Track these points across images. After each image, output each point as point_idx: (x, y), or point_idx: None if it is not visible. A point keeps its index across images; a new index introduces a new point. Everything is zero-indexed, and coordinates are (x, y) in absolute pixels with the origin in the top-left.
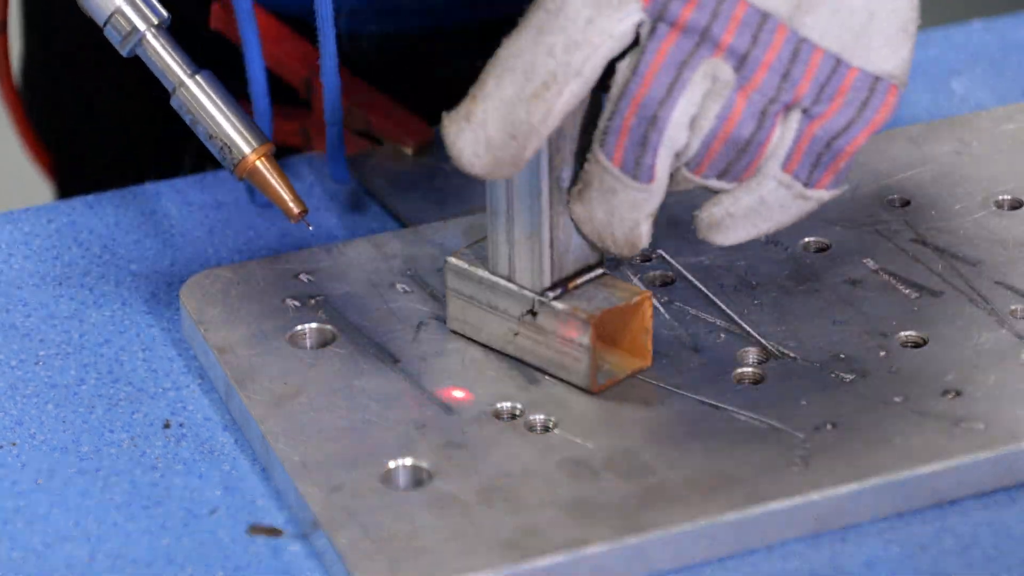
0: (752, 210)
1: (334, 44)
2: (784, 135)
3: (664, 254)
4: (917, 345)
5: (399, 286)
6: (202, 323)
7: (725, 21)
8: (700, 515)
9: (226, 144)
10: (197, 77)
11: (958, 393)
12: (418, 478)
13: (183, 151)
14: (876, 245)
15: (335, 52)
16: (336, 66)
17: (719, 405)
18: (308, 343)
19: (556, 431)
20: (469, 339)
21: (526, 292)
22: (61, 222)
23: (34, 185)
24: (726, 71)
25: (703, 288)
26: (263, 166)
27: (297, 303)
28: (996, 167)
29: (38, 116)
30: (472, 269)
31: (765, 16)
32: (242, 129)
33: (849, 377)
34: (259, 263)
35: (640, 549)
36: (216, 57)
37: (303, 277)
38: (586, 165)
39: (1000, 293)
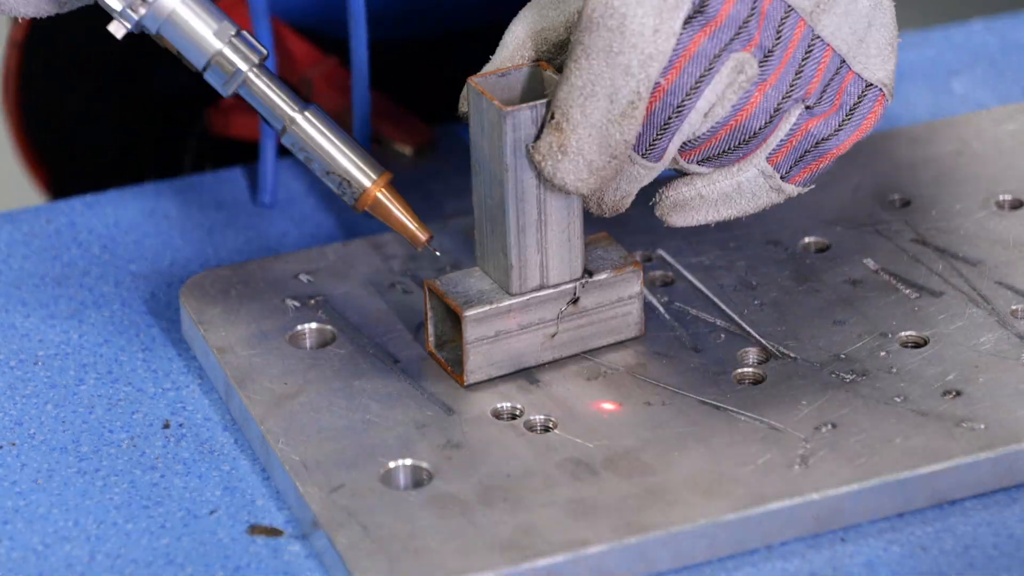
0: (725, 195)
1: (367, 69)
2: (780, 129)
3: (664, 254)
4: (917, 345)
5: (399, 286)
6: (202, 323)
7: (758, 16)
8: (700, 515)
9: (345, 179)
10: (307, 113)
11: (958, 393)
12: (418, 478)
13: (183, 151)
14: (876, 245)
15: (367, 76)
16: (368, 89)
17: (719, 405)
18: (308, 343)
19: (556, 431)
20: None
21: (564, 287)
22: (60, 222)
23: (33, 185)
24: (752, 66)
25: (703, 288)
26: (384, 197)
27: (297, 303)
28: (996, 167)
29: (38, 116)
30: (495, 307)
31: (789, 10)
32: (359, 162)
33: (849, 377)
34: (259, 263)
35: (640, 549)
36: None
37: (303, 277)
38: None
39: (1001, 293)
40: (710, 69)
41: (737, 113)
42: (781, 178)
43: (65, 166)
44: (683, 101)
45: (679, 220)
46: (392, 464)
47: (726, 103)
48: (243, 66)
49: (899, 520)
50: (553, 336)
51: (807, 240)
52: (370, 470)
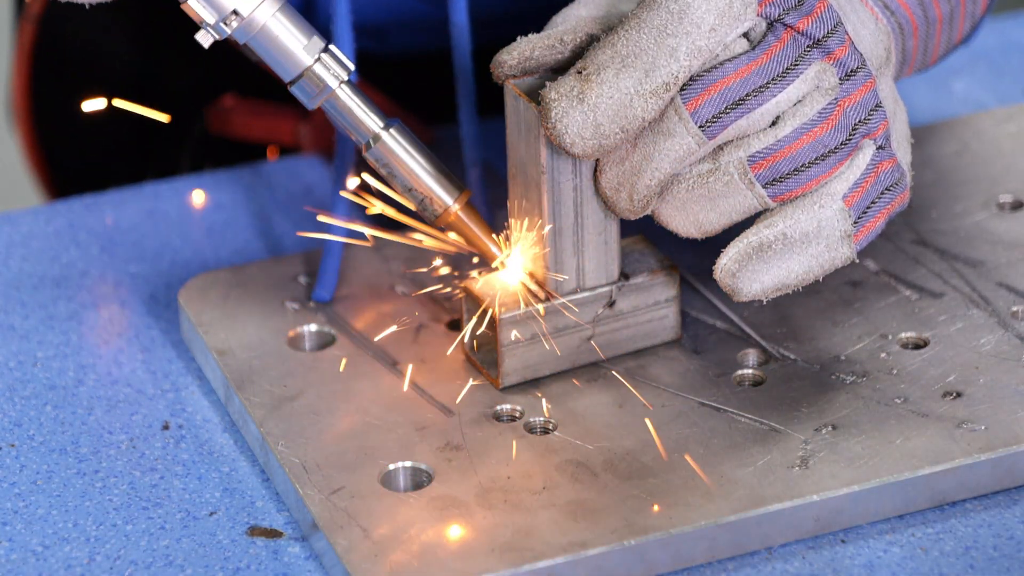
0: (806, 236)
1: (473, 90)
2: (856, 164)
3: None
4: (918, 347)
5: (399, 288)
6: (201, 325)
7: (840, 39)
8: (700, 516)
9: (427, 196)
10: (391, 130)
11: (959, 395)
12: (418, 480)
13: (183, 151)
14: (877, 246)
15: (473, 98)
16: (474, 111)
17: (719, 407)
18: (307, 345)
19: (556, 433)
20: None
21: (600, 290)
22: (60, 223)
23: (30, 185)
24: (832, 77)
25: (703, 289)
26: (464, 216)
27: (296, 305)
28: (997, 168)
29: (38, 116)
30: (530, 310)
31: (863, 60)
32: (442, 179)
33: (849, 379)
34: (258, 265)
35: (640, 551)
36: (216, 57)
37: (302, 279)
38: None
39: (1001, 295)
40: (790, 71)
41: (822, 122)
42: (853, 224)
43: (65, 166)
44: (766, 84)
45: (750, 282)
46: (392, 466)
47: (807, 109)
48: (332, 82)
49: (899, 521)
50: (589, 339)
51: None
52: (370, 472)
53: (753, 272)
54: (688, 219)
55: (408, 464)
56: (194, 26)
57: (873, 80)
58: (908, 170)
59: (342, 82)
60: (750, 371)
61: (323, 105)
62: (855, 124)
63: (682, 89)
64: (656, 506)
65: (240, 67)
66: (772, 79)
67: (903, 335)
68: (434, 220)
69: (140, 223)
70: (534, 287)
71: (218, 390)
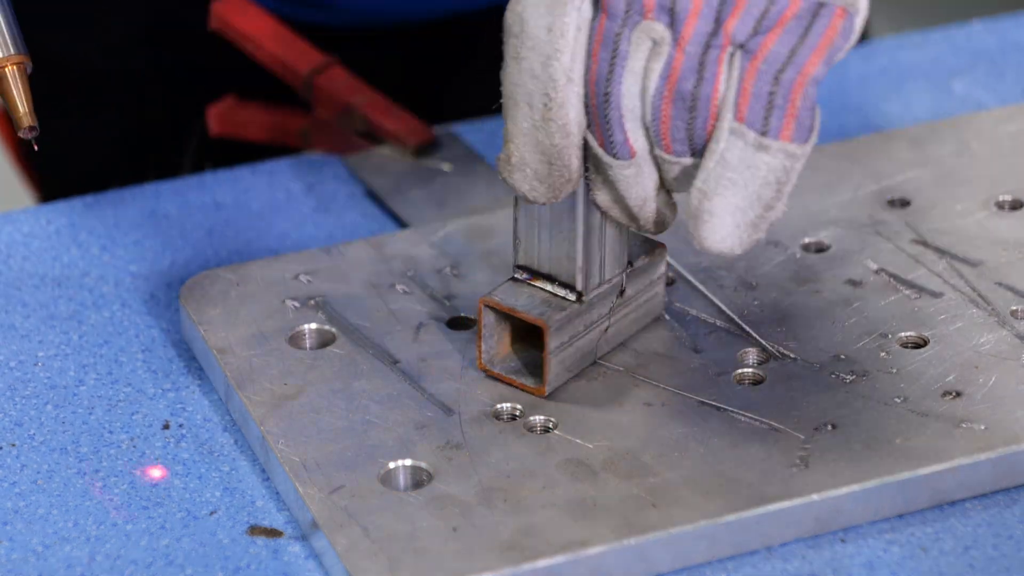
0: (721, 178)
1: None
2: (730, 79)
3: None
4: (917, 346)
5: (399, 287)
6: (202, 324)
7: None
8: (700, 516)
9: None
10: None
11: (958, 394)
12: (418, 479)
13: (183, 151)
14: (876, 246)
15: None
16: None
17: (719, 405)
18: (308, 344)
19: (556, 432)
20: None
21: (615, 280)
22: (60, 223)
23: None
24: (658, 29)
25: (703, 288)
26: (14, 76)
27: (297, 304)
28: (997, 168)
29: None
30: (569, 312)
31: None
32: (4, 32)
33: (849, 378)
34: (259, 264)
35: (640, 550)
36: (216, 57)
37: (303, 278)
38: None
39: (1001, 294)
40: (617, 48)
41: (666, 81)
42: (762, 135)
43: (65, 166)
44: (608, 88)
45: (710, 236)
46: (392, 465)
47: (652, 75)
48: None
49: (899, 521)
50: (606, 330)
51: (807, 240)
52: (370, 471)
53: (707, 231)
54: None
55: (408, 463)
56: (196, 24)
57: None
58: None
59: None
60: (750, 370)
61: None
62: (702, 53)
63: (589, 128)
64: (656, 505)
65: (240, 67)
66: (609, 72)
67: (903, 334)
68: None
69: (140, 223)
70: (559, 290)
71: (218, 389)
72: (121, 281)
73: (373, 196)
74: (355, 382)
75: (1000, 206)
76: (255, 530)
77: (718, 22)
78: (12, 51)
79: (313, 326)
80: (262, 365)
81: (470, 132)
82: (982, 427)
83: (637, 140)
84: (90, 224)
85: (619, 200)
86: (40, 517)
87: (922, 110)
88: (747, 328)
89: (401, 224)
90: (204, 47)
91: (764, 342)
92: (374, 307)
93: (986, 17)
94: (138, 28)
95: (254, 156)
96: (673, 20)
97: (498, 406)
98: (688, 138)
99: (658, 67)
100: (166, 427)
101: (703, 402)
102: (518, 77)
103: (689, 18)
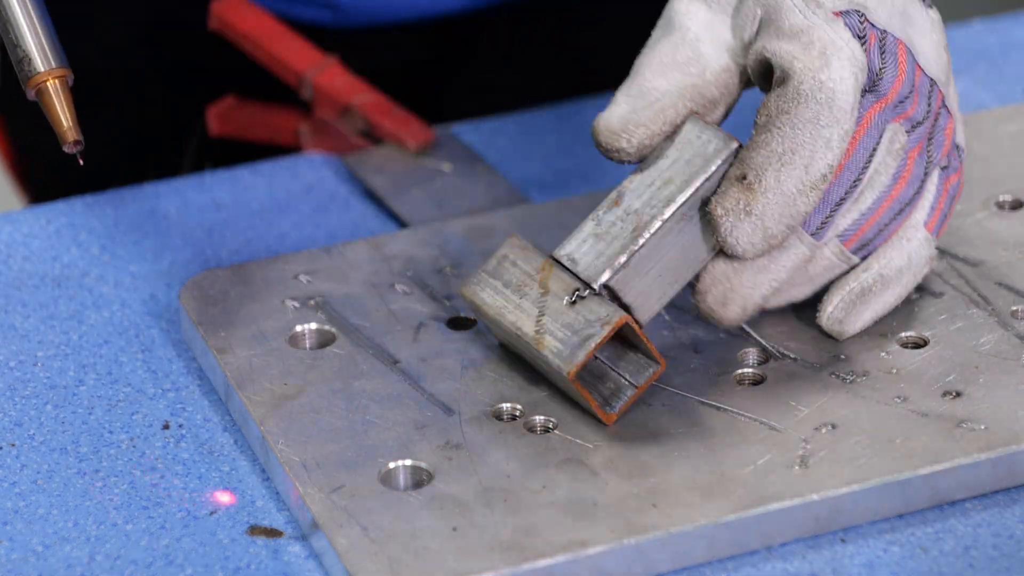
0: (899, 271)
1: None
2: (928, 191)
3: None
4: (918, 346)
5: (399, 287)
6: (201, 324)
7: (914, 91)
8: (700, 516)
9: (27, 56)
10: None
11: (958, 394)
12: (418, 479)
13: (183, 151)
14: None
15: None
16: None
17: (719, 405)
18: (308, 344)
19: (556, 432)
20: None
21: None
22: (60, 223)
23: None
24: (902, 135)
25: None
26: (57, 89)
27: (297, 304)
28: (997, 168)
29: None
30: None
31: (932, 84)
32: (52, 46)
33: (849, 378)
34: (258, 264)
35: (640, 550)
36: (216, 56)
37: (302, 278)
38: None
39: (1001, 294)
40: (878, 143)
41: (895, 184)
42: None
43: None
44: (859, 176)
45: (856, 321)
46: (392, 465)
47: (886, 172)
48: None
49: (899, 521)
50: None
51: None
52: (370, 471)
53: (856, 313)
54: (781, 300)
55: (408, 463)
56: (195, 24)
57: (936, 115)
58: (964, 148)
59: None
60: (750, 370)
61: None
62: (925, 169)
63: None
64: (656, 505)
65: (240, 66)
66: (862, 169)
67: (903, 334)
68: (26, 82)
69: (140, 223)
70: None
71: (218, 389)
72: (121, 281)
73: (373, 196)
74: (355, 382)
75: (1000, 206)
76: (255, 530)
77: (931, 140)
78: (54, 64)
79: (313, 326)
80: (262, 365)
81: (470, 132)
82: (982, 427)
83: (837, 230)
84: (90, 224)
85: (736, 289)
86: (40, 517)
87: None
88: (747, 328)
89: (401, 224)
90: (204, 47)
91: (764, 342)
92: (374, 307)
93: (986, 17)
94: (138, 28)
95: (254, 156)
96: (912, 131)
97: (498, 406)
98: (873, 240)
99: (893, 165)
100: (166, 427)
101: (703, 402)
102: (808, 140)
103: (925, 134)
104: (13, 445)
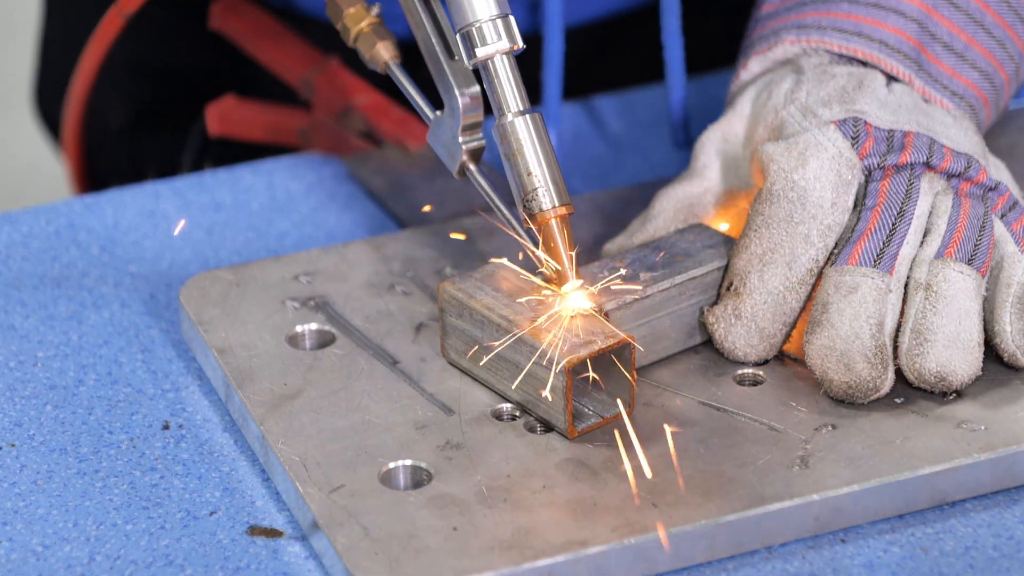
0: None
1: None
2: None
3: None
4: None
5: (399, 287)
6: (201, 324)
7: (940, 155)
8: (700, 516)
9: (540, 188)
10: (534, 115)
11: (958, 394)
12: (418, 478)
13: (183, 151)
14: None
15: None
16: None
17: (719, 406)
18: (307, 344)
19: (556, 432)
20: None
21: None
22: (60, 223)
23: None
24: (939, 181)
25: None
26: (559, 224)
27: (296, 304)
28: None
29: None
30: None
31: (970, 160)
32: (558, 181)
33: None
34: (258, 264)
35: (640, 550)
36: (216, 56)
37: (302, 278)
38: (817, 294)
39: None
40: (913, 186)
41: (958, 224)
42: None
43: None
44: (904, 207)
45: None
46: (392, 464)
47: (942, 219)
48: (496, 46)
49: (899, 521)
50: None
51: None
52: (370, 470)
53: None
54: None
55: (408, 463)
56: (195, 24)
57: (983, 171)
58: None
59: (504, 52)
60: (750, 370)
61: (478, 67)
62: (983, 214)
63: (833, 260)
64: (656, 505)
65: (240, 66)
66: (903, 203)
67: None
68: (531, 215)
69: (140, 223)
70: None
71: (218, 389)
72: (121, 281)
73: (373, 196)
74: (355, 382)
75: None
76: (255, 530)
77: (984, 202)
78: (559, 202)
79: (313, 326)
80: (262, 365)
81: None
82: (982, 427)
83: (899, 266)
84: (90, 224)
85: (847, 327)
86: (40, 517)
87: None
88: None
89: (401, 224)
90: (204, 47)
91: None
92: (374, 307)
93: None
94: (138, 28)
95: (254, 156)
96: (952, 180)
97: (498, 406)
98: (973, 252)
99: (945, 219)
100: (166, 427)
101: (703, 402)
102: (785, 239)
103: (977, 178)
104: (13, 445)
